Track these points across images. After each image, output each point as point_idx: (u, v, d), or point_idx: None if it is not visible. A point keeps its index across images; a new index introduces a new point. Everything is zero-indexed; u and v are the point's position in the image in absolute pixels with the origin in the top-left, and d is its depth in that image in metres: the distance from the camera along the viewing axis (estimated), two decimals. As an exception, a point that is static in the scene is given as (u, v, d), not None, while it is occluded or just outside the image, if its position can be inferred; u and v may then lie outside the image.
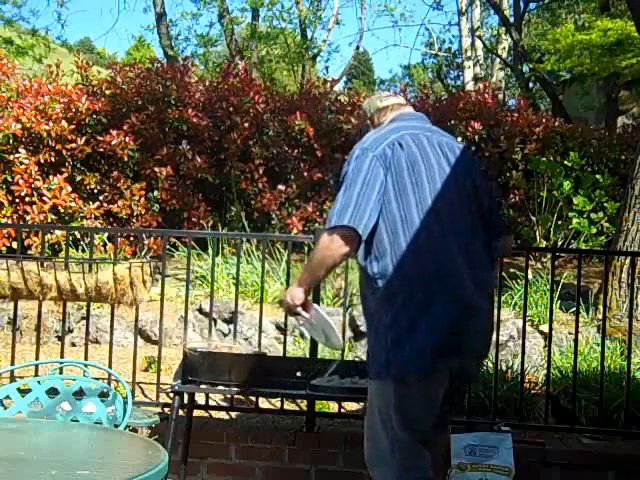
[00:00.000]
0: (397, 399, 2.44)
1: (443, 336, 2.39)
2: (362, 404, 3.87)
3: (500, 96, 12.68)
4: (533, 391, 4.19)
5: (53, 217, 6.81)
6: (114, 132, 7.12)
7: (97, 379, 3.13)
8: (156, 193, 7.26)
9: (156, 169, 7.19)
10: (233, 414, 3.95)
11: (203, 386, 3.22)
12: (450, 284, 2.42)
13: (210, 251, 6.02)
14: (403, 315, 2.40)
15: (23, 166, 6.83)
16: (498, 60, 17.03)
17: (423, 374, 2.40)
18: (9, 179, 6.89)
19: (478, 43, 17.04)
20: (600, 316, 4.66)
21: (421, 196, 2.44)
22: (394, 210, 2.43)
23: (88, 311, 4.13)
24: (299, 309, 2.59)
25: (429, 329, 2.38)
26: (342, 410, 3.96)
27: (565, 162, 7.21)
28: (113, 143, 7.09)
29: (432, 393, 2.47)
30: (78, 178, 7.15)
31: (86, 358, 3.92)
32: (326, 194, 7.43)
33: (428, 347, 2.38)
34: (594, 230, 6.76)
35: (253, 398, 3.96)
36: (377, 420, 2.51)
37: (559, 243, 6.84)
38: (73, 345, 5.21)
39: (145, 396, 4.18)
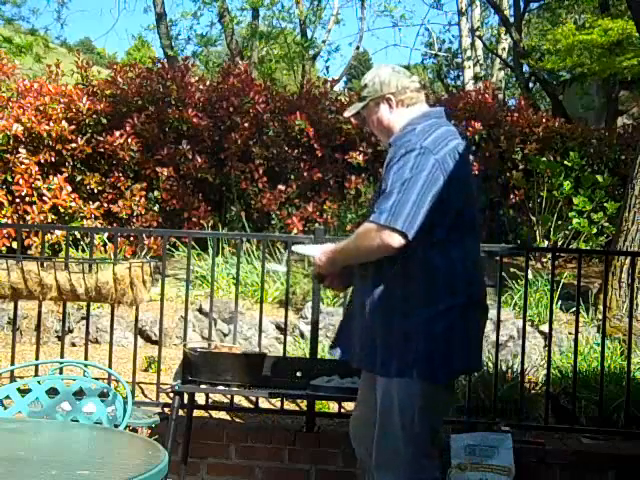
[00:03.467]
0: (425, 399, 2.42)
1: (476, 341, 2.52)
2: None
3: (500, 96, 12.67)
4: (533, 391, 4.20)
5: (53, 217, 6.80)
6: (117, 133, 7.11)
7: (97, 379, 3.13)
8: (156, 193, 7.26)
9: (156, 169, 7.19)
10: (233, 414, 3.95)
11: (203, 386, 3.22)
12: (477, 294, 2.52)
13: (210, 251, 6.02)
14: (453, 317, 2.41)
15: (23, 166, 6.83)
16: (498, 60, 17.02)
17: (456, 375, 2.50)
18: (9, 179, 6.88)
19: (478, 43, 17.04)
20: (600, 316, 4.66)
21: (467, 209, 2.50)
22: (448, 213, 2.43)
23: (88, 311, 4.13)
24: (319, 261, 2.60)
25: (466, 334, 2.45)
26: (342, 410, 3.96)
27: (565, 162, 7.21)
28: (115, 143, 7.09)
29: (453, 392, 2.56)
30: (78, 178, 7.14)
31: (86, 358, 3.92)
32: (326, 194, 7.43)
33: (468, 348, 2.47)
34: (594, 230, 6.76)
35: (253, 398, 3.96)
36: (396, 420, 2.44)
37: (559, 243, 6.84)
38: (73, 345, 5.21)
39: (145, 396, 4.18)
